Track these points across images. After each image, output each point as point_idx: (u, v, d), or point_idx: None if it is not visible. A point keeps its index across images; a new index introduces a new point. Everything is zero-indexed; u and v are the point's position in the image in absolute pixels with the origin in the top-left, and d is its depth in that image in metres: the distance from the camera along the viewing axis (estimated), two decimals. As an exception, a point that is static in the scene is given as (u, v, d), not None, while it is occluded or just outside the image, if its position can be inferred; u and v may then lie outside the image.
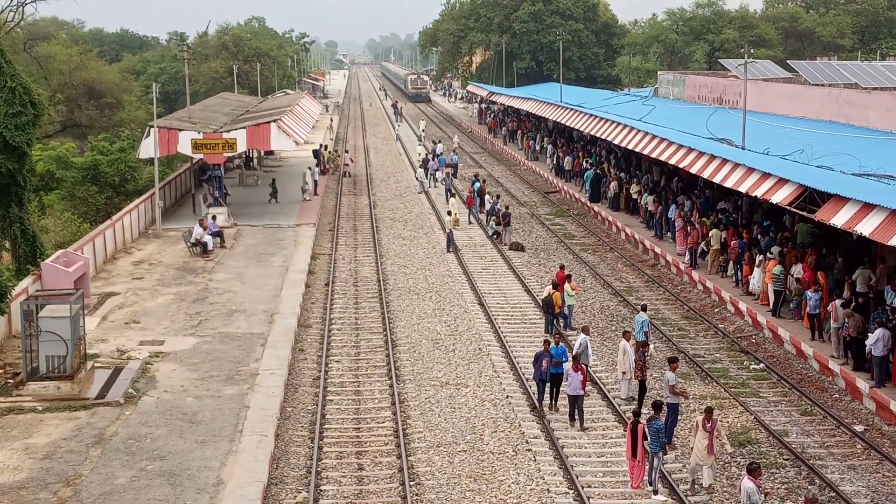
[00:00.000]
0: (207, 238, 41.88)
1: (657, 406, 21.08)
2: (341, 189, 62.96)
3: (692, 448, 20.76)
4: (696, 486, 20.49)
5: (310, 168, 60.19)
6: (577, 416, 24.13)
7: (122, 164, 57.00)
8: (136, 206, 46.64)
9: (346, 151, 73.24)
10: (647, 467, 20.52)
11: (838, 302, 27.39)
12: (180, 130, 48.58)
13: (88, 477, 20.73)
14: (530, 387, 26.24)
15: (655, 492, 20.34)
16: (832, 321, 27.33)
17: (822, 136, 41.07)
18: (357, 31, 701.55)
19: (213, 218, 44.66)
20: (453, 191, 56.26)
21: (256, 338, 30.50)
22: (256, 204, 53.71)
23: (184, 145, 48.13)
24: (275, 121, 50.72)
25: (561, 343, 26.38)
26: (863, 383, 25.56)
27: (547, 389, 25.24)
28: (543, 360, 24.72)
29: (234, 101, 78.97)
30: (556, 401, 25.19)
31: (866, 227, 25.15)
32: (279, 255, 42.01)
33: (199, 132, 48.64)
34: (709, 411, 20.57)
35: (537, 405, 25.12)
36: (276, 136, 50.11)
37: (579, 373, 23.86)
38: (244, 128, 50.02)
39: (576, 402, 24.06)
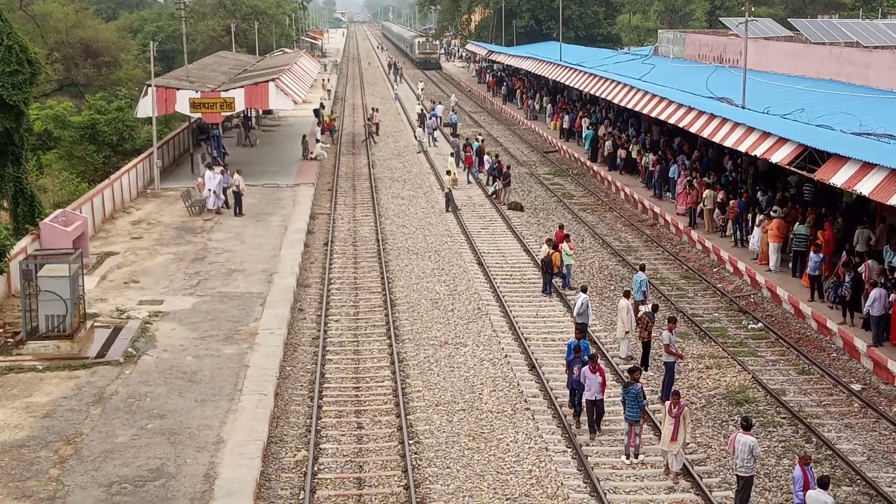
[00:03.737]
0: (213, 195, 41.94)
1: (634, 371, 21.07)
2: (340, 150, 62.73)
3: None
4: (668, 469, 19.70)
5: (306, 136, 59.00)
6: (597, 425, 21.60)
7: (120, 123, 56.75)
8: (134, 165, 46.51)
9: (376, 110, 71.66)
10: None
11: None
12: (178, 89, 48.34)
13: (89, 435, 20.82)
14: (557, 400, 23.09)
15: (636, 456, 20.39)
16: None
17: (822, 94, 40.91)
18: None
19: (231, 174, 43.73)
20: (454, 150, 56.04)
21: (255, 297, 30.53)
22: (253, 164, 53.55)
23: (181, 104, 47.92)
24: (273, 80, 50.48)
25: (584, 339, 23.86)
26: (861, 342, 25.64)
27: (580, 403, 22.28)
28: (575, 367, 21.89)
29: (231, 59, 78.55)
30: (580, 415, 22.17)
31: (866, 186, 25.12)
32: (278, 215, 41.96)
33: (196, 91, 48.42)
34: (676, 395, 19.69)
35: (564, 416, 22.34)
36: (275, 96, 49.87)
37: (598, 374, 21.24)
38: (242, 87, 49.78)
39: (595, 407, 21.47)
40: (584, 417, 21.76)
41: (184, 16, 65.67)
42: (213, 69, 65.48)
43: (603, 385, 21.37)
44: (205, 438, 20.74)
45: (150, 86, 47.74)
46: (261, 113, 71.17)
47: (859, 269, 27.04)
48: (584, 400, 21.58)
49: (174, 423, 21.46)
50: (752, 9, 50.99)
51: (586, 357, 21.96)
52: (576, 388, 21.90)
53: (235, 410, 22.11)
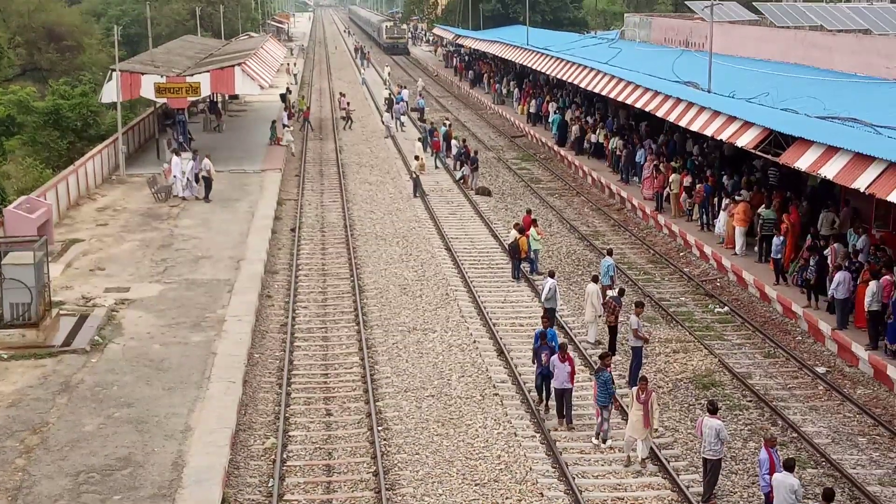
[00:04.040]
0: (180, 181, 41.66)
1: (604, 356, 21.17)
2: (305, 136, 62.45)
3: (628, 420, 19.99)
4: (630, 460, 19.67)
5: (284, 124, 58.58)
6: (565, 413, 21.44)
7: (84, 108, 56.17)
8: (98, 151, 46.07)
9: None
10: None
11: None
12: (143, 74, 47.87)
13: (55, 424, 20.68)
14: (524, 380, 23.23)
15: (604, 440, 20.50)
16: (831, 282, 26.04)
17: (787, 78, 41.15)
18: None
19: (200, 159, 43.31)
20: (421, 135, 55.91)
21: (223, 284, 30.39)
22: (219, 149, 53.20)
23: (147, 89, 47.47)
24: (239, 64, 50.10)
25: (552, 328, 23.29)
26: (825, 325, 25.89)
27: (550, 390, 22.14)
28: (543, 354, 21.78)
29: (197, 44, 77.88)
30: (548, 400, 22.15)
31: (830, 169, 25.32)
32: (245, 201, 41.75)
33: (162, 76, 47.98)
34: (643, 381, 19.69)
35: (532, 402, 22.34)
36: (241, 80, 49.47)
37: (567, 363, 21.13)
38: (208, 71, 49.35)
39: (563, 396, 21.36)
40: (552, 402, 21.80)
41: (148, 0, 65.01)
42: (179, 54, 64.90)
43: (572, 374, 21.24)
44: (173, 426, 20.65)
45: (114, 70, 47.25)
46: (227, 98, 70.68)
47: (825, 253, 27.27)
48: (552, 388, 21.54)
49: (142, 412, 21.35)
50: (718, -7, 51.13)
51: (553, 344, 22.00)
52: (545, 374, 21.79)
53: (203, 398, 22.03)
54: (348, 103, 68.03)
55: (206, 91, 49.71)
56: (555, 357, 21.33)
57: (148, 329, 26.49)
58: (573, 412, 21.58)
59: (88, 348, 24.91)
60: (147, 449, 19.66)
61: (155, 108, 55.95)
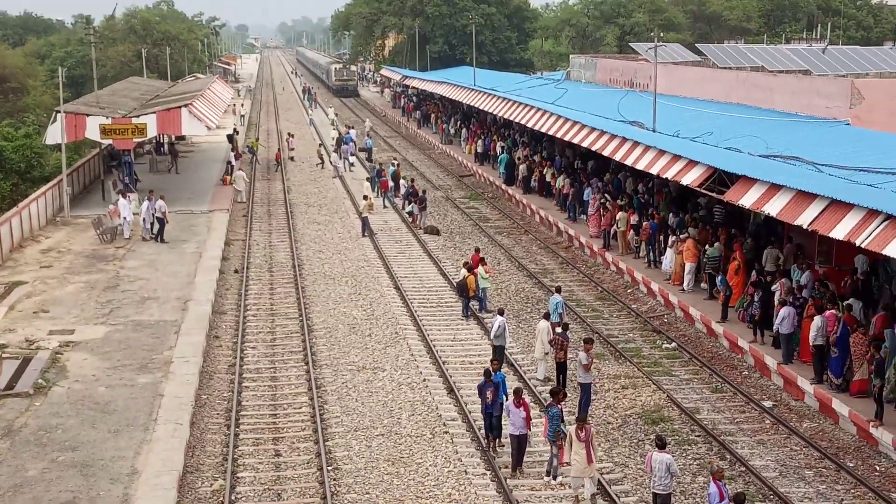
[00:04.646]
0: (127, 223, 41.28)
1: (554, 393, 21.22)
2: (255, 175, 62.25)
3: (568, 462, 19.74)
4: (579, 500, 19.46)
5: (231, 164, 58.54)
6: (520, 461, 20.92)
7: (28, 150, 55.63)
8: (43, 192, 45.61)
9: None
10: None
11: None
12: (88, 115, 47.59)
13: (-2, 470, 20.29)
14: (476, 423, 22.92)
15: (554, 477, 20.51)
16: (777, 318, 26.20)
17: (730, 118, 41.78)
18: (268, 15, 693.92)
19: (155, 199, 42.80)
20: (370, 175, 56.00)
21: (170, 325, 30.10)
22: (167, 190, 52.83)
23: (92, 131, 47.16)
24: (186, 105, 49.97)
25: (500, 371, 22.69)
26: (771, 360, 26.17)
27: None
28: (487, 392, 21.59)
29: (143, 85, 77.58)
30: (500, 436, 21.96)
31: (773, 207, 25.70)
32: (192, 242, 41.47)
33: (107, 117, 47.70)
34: (581, 421, 19.53)
35: (484, 444, 22.08)
36: (188, 121, 49.30)
37: (521, 409, 20.60)
38: (154, 112, 49.17)
39: (519, 441, 20.78)
40: (505, 441, 21.68)
41: (93, 41, 64.68)
42: (125, 95, 64.60)
43: (527, 420, 20.76)
44: (118, 470, 20.34)
45: (59, 112, 46.93)
46: (174, 139, 70.38)
47: (772, 288, 27.59)
48: (509, 435, 21.02)
49: (86, 455, 21.02)
50: (661, 34, 51.99)
51: (498, 381, 21.77)
52: (490, 411, 21.67)
53: (150, 440, 21.75)
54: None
55: (152, 132, 49.50)
56: (509, 402, 20.87)
57: (93, 371, 26.13)
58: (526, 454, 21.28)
59: (32, 391, 24.51)
60: (92, 493, 19.34)
61: (100, 149, 55.54)
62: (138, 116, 48.60)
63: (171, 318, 30.78)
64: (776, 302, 26.85)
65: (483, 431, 22.31)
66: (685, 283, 32.42)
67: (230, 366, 27.57)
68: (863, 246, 21.72)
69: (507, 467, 21.08)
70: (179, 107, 49.79)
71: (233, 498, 19.84)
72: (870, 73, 51.14)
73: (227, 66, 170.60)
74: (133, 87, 72.82)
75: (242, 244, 42.54)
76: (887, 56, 58.91)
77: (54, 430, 22.34)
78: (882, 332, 23.43)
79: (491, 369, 22.19)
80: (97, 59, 70.85)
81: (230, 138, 69.43)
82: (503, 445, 21.73)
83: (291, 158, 68.09)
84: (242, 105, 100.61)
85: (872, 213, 21.79)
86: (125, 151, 49.69)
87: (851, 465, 21.20)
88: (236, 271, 37.68)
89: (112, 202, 45.05)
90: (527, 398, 21.58)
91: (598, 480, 19.74)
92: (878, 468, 21.09)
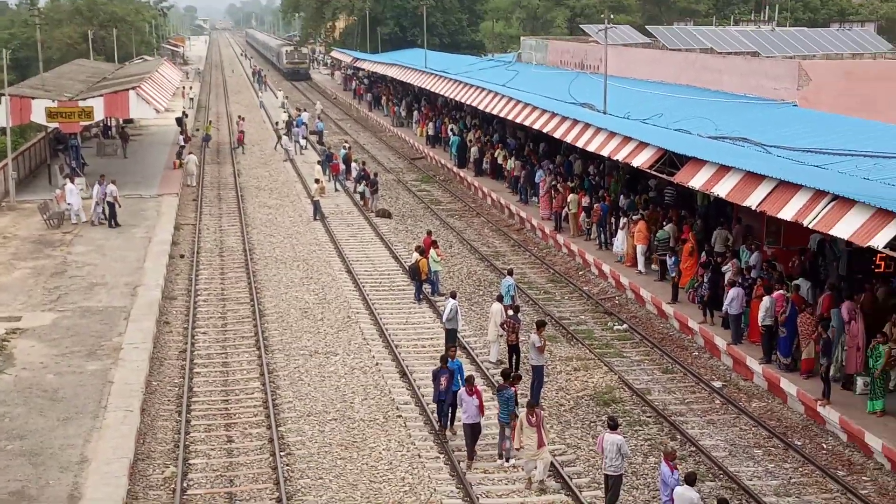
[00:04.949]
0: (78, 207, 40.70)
1: (507, 375, 21.26)
2: (204, 159, 61.71)
3: (518, 447, 19.67)
4: (531, 483, 19.52)
5: (181, 146, 57.85)
6: (473, 449, 20.65)
7: (-29, 134, 54.70)
8: (-13, 177, 44.91)
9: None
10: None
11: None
12: (33, 98, 46.85)
13: (-56, 460, 20.01)
14: (429, 407, 22.80)
15: (507, 460, 20.60)
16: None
17: (679, 100, 42.08)
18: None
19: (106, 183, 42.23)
20: (321, 158, 55.72)
21: (119, 311, 29.79)
22: (116, 174, 52.20)
23: (37, 114, 46.44)
24: (133, 88, 49.36)
25: (457, 358, 22.54)
26: (720, 340, 26.43)
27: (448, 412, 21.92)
28: (442, 378, 21.35)
29: (90, 68, 76.54)
30: (452, 423, 21.88)
31: (722, 188, 25.93)
32: (141, 227, 41.03)
33: (53, 100, 47.00)
34: (531, 406, 19.53)
35: (437, 428, 22.01)
36: (136, 104, 48.68)
37: (475, 396, 20.35)
38: (101, 95, 48.54)
39: (473, 430, 20.56)
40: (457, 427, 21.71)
41: (38, 23, 63.80)
42: (71, 77, 63.71)
43: (480, 408, 20.49)
44: (68, 458, 20.13)
45: (3, 95, 46.15)
46: (121, 122, 69.54)
47: (723, 269, 27.80)
48: (462, 424, 20.82)
49: (35, 444, 20.77)
50: (611, 16, 52.05)
51: (454, 368, 21.67)
52: (443, 399, 21.54)
53: (100, 428, 21.53)
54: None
55: (99, 115, 48.88)
56: (462, 391, 20.65)
57: (41, 358, 25.81)
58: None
59: (-22, 380, 24.16)
60: (41, 482, 19.13)
61: (46, 132, 54.75)
62: (85, 99, 47.96)
63: (120, 304, 30.46)
64: (725, 283, 27.11)
65: (436, 415, 22.28)
66: (639, 265, 32.59)
67: (181, 351, 27.35)
68: (811, 226, 21.97)
69: (459, 450, 21.04)
70: (127, 90, 49.18)
71: (185, 485, 19.70)
72: (817, 55, 51.62)
73: (175, 49, 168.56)
74: (79, 70, 71.83)
75: (192, 228, 42.17)
76: (834, 38, 59.51)
77: (1, 418, 22.05)
78: (829, 312, 23.76)
79: (448, 356, 22.07)
80: (42, 42, 69.78)
81: (179, 121, 68.72)
82: (455, 432, 21.66)
83: (241, 141, 67.23)
84: (191, 88, 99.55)
85: (820, 193, 22.04)
86: (72, 135, 49.08)
87: (799, 443, 21.49)
88: (182, 256, 37.30)
89: (59, 186, 44.43)
90: (479, 385, 21.34)
91: (552, 462, 19.83)
92: (825, 446, 21.39)
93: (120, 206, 41.45)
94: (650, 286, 31.24)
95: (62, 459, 20.08)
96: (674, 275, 29.77)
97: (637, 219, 33.20)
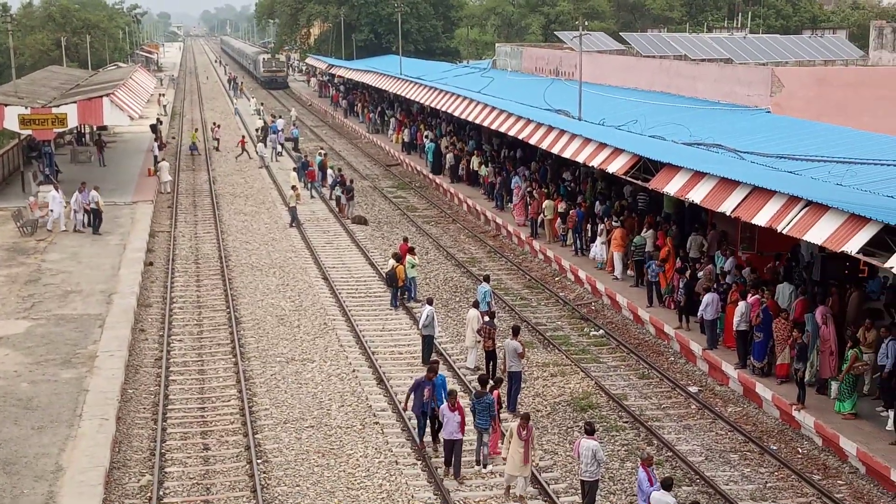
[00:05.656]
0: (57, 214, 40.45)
1: (484, 381, 21.26)
2: (179, 166, 61.49)
3: (505, 458, 19.58)
4: (510, 491, 19.44)
5: (155, 156, 57.56)
6: (454, 463, 20.26)
7: (-57, 141, 54.39)
8: (-40, 185, 44.57)
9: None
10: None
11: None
12: (6, 105, 46.57)
13: (-83, 470, 19.83)
14: (404, 408, 22.23)
15: (484, 466, 20.60)
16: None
17: (654, 106, 42.22)
18: (190, 3, 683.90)
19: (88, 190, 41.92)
20: (296, 165, 55.67)
21: (94, 319, 29.63)
22: (90, 181, 51.88)
23: (10, 121, 46.16)
24: (107, 95, 49.15)
25: (440, 373, 21.90)
26: (696, 346, 26.55)
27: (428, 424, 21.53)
28: (426, 389, 20.91)
29: (63, 74, 76.13)
30: (434, 437, 21.47)
31: (697, 194, 26.06)
32: (116, 234, 40.83)
33: (26, 107, 46.75)
34: (524, 418, 19.22)
35: (417, 441, 21.53)
36: (110, 111, 48.46)
37: (457, 412, 20.03)
38: (75, 102, 48.31)
39: (453, 447, 20.18)
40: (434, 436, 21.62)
41: (10, 29, 63.27)
42: (44, 84, 63.36)
43: (462, 424, 20.10)
44: (43, 467, 19.99)
45: (-25, 102, 45.86)
46: (95, 129, 69.24)
47: (699, 275, 27.93)
48: (442, 439, 20.69)
49: (9, 453, 20.62)
50: (586, 23, 52.35)
51: (438, 382, 21.35)
52: (424, 410, 21.18)
53: (75, 437, 21.40)
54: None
55: (73, 122, 48.60)
56: (444, 406, 20.29)
57: (15, 367, 25.63)
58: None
59: (-48, 389, 23.97)
60: (16, 491, 18.99)
61: (19, 140, 54.41)
62: (59, 106, 47.71)
63: (95, 312, 30.30)
64: (699, 288, 27.24)
65: (417, 431, 21.64)
66: (616, 271, 32.70)
67: (157, 359, 27.23)
68: (784, 232, 22.11)
69: (438, 456, 21.00)
70: (101, 96, 48.96)
71: (161, 493, 19.61)
72: (789, 62, 52.10)
73: (149, 55, 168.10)
74: (53, 77, 71.45)
75: (167, 236, 42.01)
76: (806, 45, 60.09)
77: (-25, 428, 21.89)
78: (802, 317, 23.93)
79: (433, 369, 21.61)
80: (15, 48, 69.34)
81: (154, 128, 68.47)
82: (436, 448, 21.26)
83: (216, 148, 67.54)
84: (165, 95, 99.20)
85: (793, 199, 22.19)
86: (45, 142, 48.79)
87: (775, 448, 21.63)
88: (151, 264, 37.05)
89: (32, 194, 44.17)
90: (461, 400, 21.15)
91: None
92: (800, 451, 21.53)
93: (103, 211, 41.17)
94: (626, 292, 31.36)
95: (37, 468, 19.94)
96: (656, 279, 29.79)
97: (617, 225, 33.31)
